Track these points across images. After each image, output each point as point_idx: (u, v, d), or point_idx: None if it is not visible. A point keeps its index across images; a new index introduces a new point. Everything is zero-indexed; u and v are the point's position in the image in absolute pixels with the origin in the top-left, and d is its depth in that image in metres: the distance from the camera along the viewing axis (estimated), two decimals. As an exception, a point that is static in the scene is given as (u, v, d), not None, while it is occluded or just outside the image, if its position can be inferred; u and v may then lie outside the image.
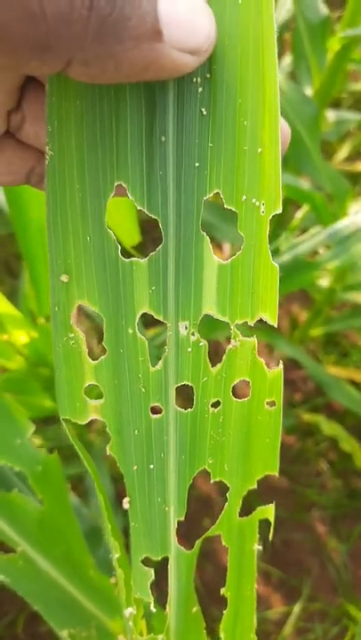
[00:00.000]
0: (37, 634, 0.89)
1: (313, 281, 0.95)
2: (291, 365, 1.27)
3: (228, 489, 0.29)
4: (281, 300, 1.37)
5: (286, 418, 1.11)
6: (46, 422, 1.01)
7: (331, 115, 1.09)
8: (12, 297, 0.80)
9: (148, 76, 0.20)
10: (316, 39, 0.93)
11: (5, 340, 0.64)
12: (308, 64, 0.95)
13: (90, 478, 0.83)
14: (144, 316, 0.27)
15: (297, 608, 0.97)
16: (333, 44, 0.88)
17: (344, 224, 0.72)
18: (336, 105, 1.50)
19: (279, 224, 1.04)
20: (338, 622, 0.97)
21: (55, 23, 0.17)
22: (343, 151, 1.40)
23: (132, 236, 0.59)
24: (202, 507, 1.04)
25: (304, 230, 0.89)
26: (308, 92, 0.97)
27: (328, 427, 1.09)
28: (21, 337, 0.66)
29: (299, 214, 0.86)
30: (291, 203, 1.03)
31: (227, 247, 1.21)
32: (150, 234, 1.34)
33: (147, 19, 0.18)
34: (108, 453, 0.29)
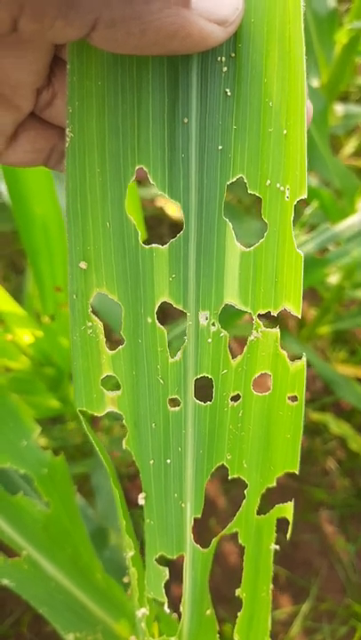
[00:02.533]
0: (42, 633, 0.89)
1: (322, 278, 0.93)
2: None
3: (233, 489, 0.28)
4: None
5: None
6: (52, 422, 1.01)
7: (339, 109, 1.08)
8: (17, 294, 0.79)
9: (173, 45, 0.19)
10: (324, 32, 0.91)
11: (10, 340, 0.63)
12: (316, 57, 0.94)
13: (96, 478, 0.83)
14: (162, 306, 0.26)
15: (305, 608, 0.97)
16: (341, 37, 0.87)
17: (353, 221, 0.71)
18: (344, 99, 1.48)
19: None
20: (346, 622, 0.96)
21: None
22: (351, 146, 1.38)
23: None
24: (207, 506, 1.03)
25: (313, 227, 0.87)
26: (316, 85, 0.96)
27: (336, 425, 1.08)
28: (26, 337, 0.66)
29: (308, 211, 0.85)
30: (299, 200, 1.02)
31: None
32: (156, 229, 1.33)
33: None
34: (124, 447, 0.28)
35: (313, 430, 1.17)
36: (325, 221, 0.83)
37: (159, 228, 1.26)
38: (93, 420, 1.05)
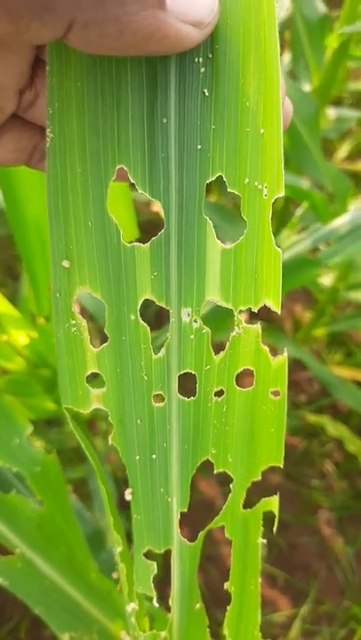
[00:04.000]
0: (40, 638, 0.89)
1: (314, 279, 0.94)
2: (295, 366, 1.26)
3: (230, 491, 0.29)
4: (284, 301, 1.37)
5: (291, 419, 1.10)
6: (48, 425, 1.01)
7: (331, 112, 1.09)
8: (13, 299, 0.79)
9: (150, 47, 0.20)
10: (315, 37, 0.92)
11: (5, 342, 0.63)
12: (307, 62, 0.95)
13: (93, 482, 0.83)
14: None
15: (304, 611, 0.96)
16: (332, 42, 0.88)
17: (343, 221, 0.72)
18: (337, 103, 1.49)
19: (281, 222, 1.03)
20: (345, 625, 0.96)
21: None
22: (344, 149, 1.39)
23: (130, 233, 0.59)
24: (205, 510, 1.03)
25: (305, 228, 0.88)
26: (308, 89, 0.97)
27: (333, 428, 1.08)
28: (21, 338, 0.66)
29: (298, 212, 0.86)
30: (292, 201, 1.03)
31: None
32: (150, 233, 1.33)
33: None
34: (110, 443, 0.28)
35: (310, 432, 1.17)
36: (317, 222, 0.83)
37: (155, 232, 1.27)
38: (91, 424, 1.05)
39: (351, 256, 0.70)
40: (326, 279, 1.05)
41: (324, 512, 1.09)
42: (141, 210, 1.21)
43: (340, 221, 0.73)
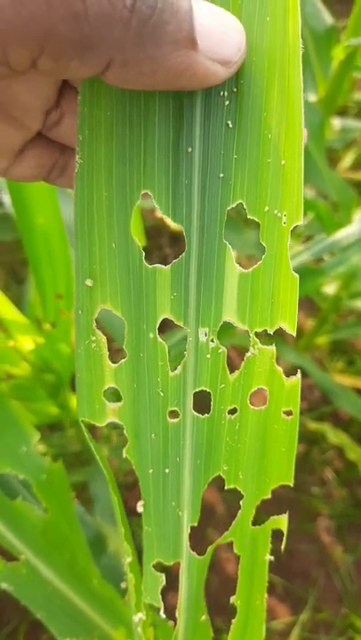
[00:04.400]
0: (40, 643, 0.89)
1: (318, 288, 0.94)
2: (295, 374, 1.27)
3: (231, 498, 0.29)
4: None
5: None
6: (51, 429, 1.01)
7: (336, 123, 1.09)
8: (18, 303, 0.80)
9: (180, 82, 0.21)
10: (321, 48, 0.93)
11: (11, 347, 0.64)
12: (314, 73, 0.95)
13: (94, 486, 0.83)
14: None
15: (302, 618, 0.96)
16: (338, 53, 0.88)
17: (348, 231, 0.72)
18: (342, 113, 1.50)
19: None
20: (343, 633, 0.96)
21: (98, 23, 0.17)
22: (348, 159, 1.40)
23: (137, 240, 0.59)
24: (205, 515, 1.04)
25: (309, 238, 0.89)
26: (313, 100, 0.97)
27: (334, 435, 1.09)
28: (27, 343, 0.67)
29: (304, 222, 0.87)
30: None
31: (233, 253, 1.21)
32: (156, 239, 1.34)
33: (183, 26, 0.19)
34: (124, 456, 0.29)
35: (311, 440, 1.17)
36: (322, 232, 0.84)
37: (159, 238, 1.28)
38: (92, 429, 1.05)
39: (355, 266, 0.70)
40: (329, 288, 1.05)
41: (323, 520, 1.09)
42: (146, 216, 1.22)
43: (345, 232, 0.73)
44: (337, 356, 1.29)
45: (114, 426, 0.30)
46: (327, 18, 0.94)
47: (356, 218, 0.74)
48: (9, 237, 1.04)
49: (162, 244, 1.27)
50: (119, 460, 0.92)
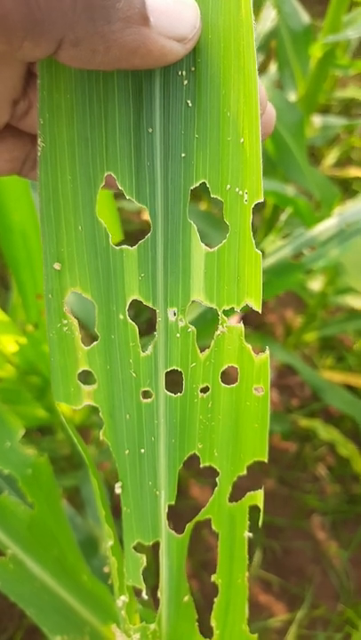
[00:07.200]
0: (35, 649, 0.88)
1: (300, 283, 0.95)
2: (286, 371, 1.27)
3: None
4: (274, 306, 1.38)
5: (283, 423, 1.10)
6: (42, 433, 1.01)
7: (317, 120, 1.11)
8: (5, 309, 0.80)
9: (136, 61, 0.21)
10: (299, 47, 0.94)
11: (-4, 349, 0.64)
12: (293, 71, 0.97)
13: (86, 490, 0.83)
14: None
15: (299, 616, 0.96)
16: (315, 51, 0.90)
17: (326, 225, 0.73)
18: (325, 111, 1.52)
19: (269, 228, 1.05)
20: (341, 629, 0.96)
21: (46, 2, 0.18)
22: (332, 157, 1.41)
23: (114, 236, 0.59)
24: (192, 503, 1.03)
25: (290, 233, 0.89)
26: (293, 98, 0.99)
27: (325, 432, 1.09)
28: (10, 345, 0.66)
29: (283, 217, 0.87)
30: (280, 208, 1.04)
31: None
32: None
33: (135, 2, 0.19)
34: (101, 438, 0.29)
35: (302, 437, 1.18)
36: (301, 227, 0.84)
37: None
38: (84, 434, 1.05)
39: (335, 260, 0.71)
40: (315, 284, 1.06)
41: (317, 516, 1.09)
42: (132, 219, 1.22)
43: (324, 226, 0.74)
44: (326, 353, 1.29)
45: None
46: (304, 17, 0.95)
47: (335, 212, 0.75)
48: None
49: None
50: (111, 463, 0.92)
